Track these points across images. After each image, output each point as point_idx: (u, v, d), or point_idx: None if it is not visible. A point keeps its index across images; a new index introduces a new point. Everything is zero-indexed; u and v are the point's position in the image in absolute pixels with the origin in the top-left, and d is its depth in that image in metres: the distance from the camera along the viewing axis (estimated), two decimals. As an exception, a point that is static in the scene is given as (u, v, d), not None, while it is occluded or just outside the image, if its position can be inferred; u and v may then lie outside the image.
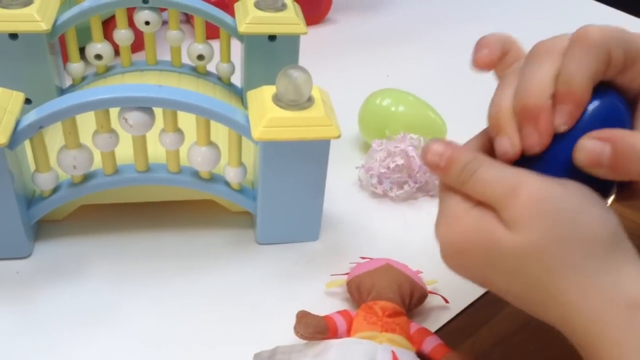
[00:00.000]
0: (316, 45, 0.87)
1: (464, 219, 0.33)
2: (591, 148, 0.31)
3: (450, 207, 0.34)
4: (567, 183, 0.32)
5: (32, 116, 0.45)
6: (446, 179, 0.34)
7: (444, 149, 0.34)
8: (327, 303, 0.48)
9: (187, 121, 0.48)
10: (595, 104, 0.33)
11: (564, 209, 0.31)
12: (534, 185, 0.31)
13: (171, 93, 0.45)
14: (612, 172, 0.31)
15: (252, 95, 0.50)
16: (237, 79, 0.65)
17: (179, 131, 0.48)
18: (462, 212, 0.34)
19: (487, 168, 0.33)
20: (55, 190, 0.49)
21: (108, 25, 0.72)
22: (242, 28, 0.59)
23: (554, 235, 0.31)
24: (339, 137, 0.48)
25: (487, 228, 0.32)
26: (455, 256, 0.35)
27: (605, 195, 0.33)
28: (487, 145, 0.36)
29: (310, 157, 0.49)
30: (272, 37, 0.60)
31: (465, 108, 0.75)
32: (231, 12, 0.62)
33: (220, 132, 0.51)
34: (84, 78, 0.63)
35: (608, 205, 0.33)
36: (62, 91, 0.62)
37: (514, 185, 0.32)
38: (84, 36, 0.62)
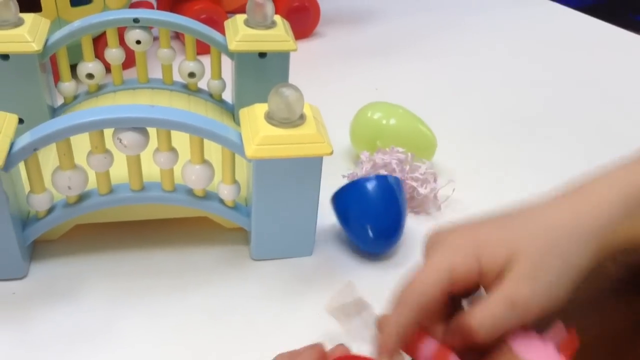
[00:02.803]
0: (305, 59, 0.88)
1: None
2: None
3: None
4: None
5: (26, 138, 0.45)
6: None
7: None
8: (323, 319, 0.48)
9: (181, 140, 0.48)
10: None
11: None
12: None
13: (165, 113, 0.46)
14: None
15: (244, 113, 0.50)
16: (228, 96, 0.66)
17: (173, 150, 0.49)
18: None
19: None
20: (50, 210, 0.49)
21: (99, 42, 0.72)
22: (232, 46, 0.59)
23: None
24: (331, 153, 0.48)
25: None
26: None
27: None
28: None
29: (303, 173, 0.49)
30: (262, 54, 0.60)
31: (452, 118, 0.76)
32: (219, 29, 0.63)
33: (213, 150, 0.51)
34: (75, 97, 0.64)
35: None
36: (54, 110, 0.62)
37: None
38: (75, 53, 0.62)
